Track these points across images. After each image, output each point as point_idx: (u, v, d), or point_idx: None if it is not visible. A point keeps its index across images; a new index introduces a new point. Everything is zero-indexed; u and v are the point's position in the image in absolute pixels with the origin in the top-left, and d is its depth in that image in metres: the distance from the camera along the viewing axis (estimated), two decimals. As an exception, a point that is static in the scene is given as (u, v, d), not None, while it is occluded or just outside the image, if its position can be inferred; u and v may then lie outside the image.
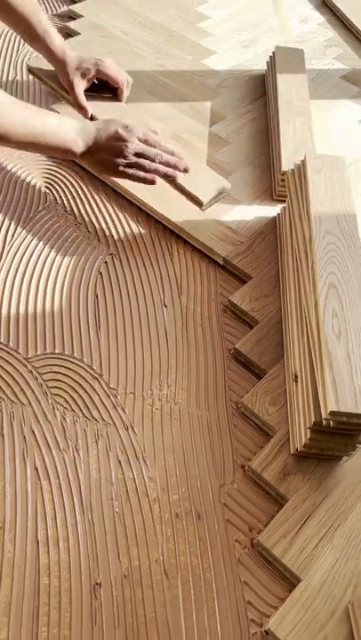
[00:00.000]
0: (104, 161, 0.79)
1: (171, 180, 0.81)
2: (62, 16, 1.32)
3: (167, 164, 0.82)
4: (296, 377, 0.69)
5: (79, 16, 1.29)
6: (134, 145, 0.79)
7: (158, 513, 0.63)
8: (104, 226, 0.88)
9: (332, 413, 0.56)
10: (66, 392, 0.71)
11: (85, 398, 0.71)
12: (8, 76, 1.13)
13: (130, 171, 0.79)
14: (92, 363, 0.74)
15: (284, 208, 0.89)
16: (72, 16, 1.31)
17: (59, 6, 1.35)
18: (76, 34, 1.24)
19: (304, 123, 1.01)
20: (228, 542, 0.61)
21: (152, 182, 0.81)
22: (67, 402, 0.70)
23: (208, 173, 0.92)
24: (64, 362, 0.74)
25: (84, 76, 0.95)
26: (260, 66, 1.23)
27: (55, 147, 0.76)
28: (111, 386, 0.72)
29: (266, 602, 0.58)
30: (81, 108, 0.96)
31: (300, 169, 0.81)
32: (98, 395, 0.71)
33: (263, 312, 0.80)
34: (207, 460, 0.67)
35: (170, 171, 0.82)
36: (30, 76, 1.14)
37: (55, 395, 0.71)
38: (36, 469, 0.65)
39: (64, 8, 1.34)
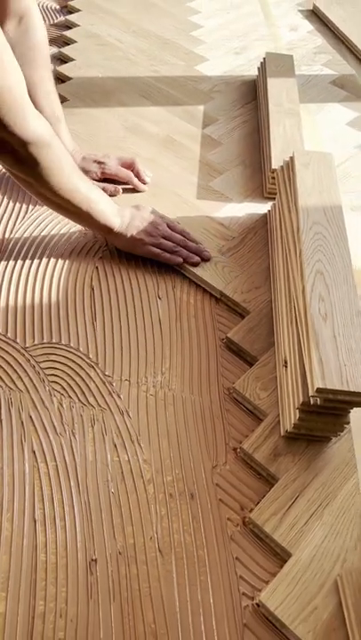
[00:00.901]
0: (136, 240, 0.83)
1: (192, 264, 0.84)
2: (59, 26, 1.36)
3: (190, 250, 0.85)
4: (286, 362, 0.71)
5: (75, 25, 1.34)
6: (163, 228, 0.84)
7: (153, 493, 0.64)
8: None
9: (319, 390, 0.58)
10: (62, 379, 0.73)
11: (82, 385, 0.73)
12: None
13: (156, 250, 0.84)
14: (88, 352, 0.76)
15: (273, 204, 0.92)
16: (69, 25, 1.35)
17: (56, 17, 1.39)
18: (73, 42, 1.28)
19: (294, 124, 1.05)
20: (221, 520, 0.63)
21: (176, 263, 0.84)
22: (63, 389, 0.72)
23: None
24: (60, 351, 0.76)
25: (89, 175, 0.94)
26: (252, 71, 1.26)
27: (99, 222, 0.80)
28: (107, 373, 0.74)
29: (257, 576, 0.60)
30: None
31: (289, 165, 0.83)
32: (94, 382, 0.73)
33: (254, 303, 0.82)
34: (200, 443, 0.69)
35: (193, 257, 0.85)
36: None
37: (52, 382, 0.73)
38: (34, 452, 0.66)
39: (61, 18, 1.38)
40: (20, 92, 0.66)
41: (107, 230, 0.82)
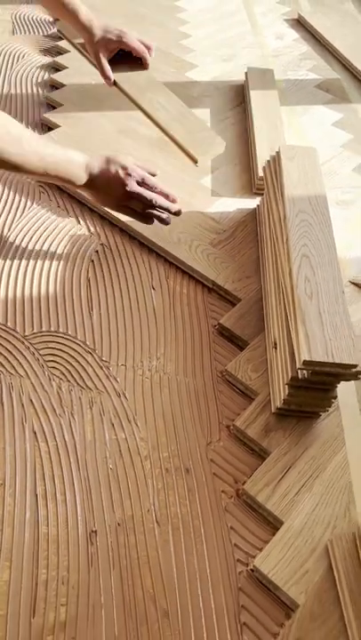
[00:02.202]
0: (104, 198, 0.85)
1: (164, 222, 0.86)
2: (53, 37, 1.41)
3: (161, 208, 0.85)
4: (275, 344, 0.74)
5: (69, 36, 1.38)
6: (132, 187, 0.83)
7: (149, 469, 0.67)
8: (95, 218, 0.95)
9: (306, 363, 0.61)
10: (61, 365, 0.76)
11: (80, 370, 0.76)
12: (2, 89, 1.20)
13: (128, 210, 0.85)
14: (86, 339, 0.79)
15: (262, 198, 0.96)
16: (61, 37, 1.39)
17: (49, 28, 1.44)
18: (66, 52, 1.33)
19: (276, 130, 1.10)
20: (215, 493, 0.66)
21: (147, 222, 0.86)
22: (62, 373, 0.75)
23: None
24: (59, 339, 0.79)
25: (107, 47, 1.02)
26: (239, 77, 1.31)
27: (62, 178, 0.80)
28: (103, 359, 0.77)
29: (251, 544, 0.62)
30: (106, 78, 1.04)
31: (276, 159, 0.87)
32: (91, 367, 0.76)
33: (245, 291, 0.86)
34: (195, 422, 0.72)
35: (163, 215, 0.86)
36: (23, 90, 1.22)
37: (51, 367, 0.75)
38: (34, 433, 0.69)
39: (54, 30, 1.43)
40: None
41: (72, 184, 0.82)
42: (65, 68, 1.27)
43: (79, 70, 1.27)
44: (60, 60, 1.29)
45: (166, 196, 0.86)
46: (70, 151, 0.81)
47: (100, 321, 0.81)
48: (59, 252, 0.89)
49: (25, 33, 1.42)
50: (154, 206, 0.85)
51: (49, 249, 0.89)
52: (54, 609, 0.56)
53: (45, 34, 1.42)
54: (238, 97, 1.26)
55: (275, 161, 0.88)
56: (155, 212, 0.85)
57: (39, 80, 1.25)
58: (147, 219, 0.86)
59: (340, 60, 1.43)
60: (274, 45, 1.46)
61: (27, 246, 0.89)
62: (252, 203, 1.00)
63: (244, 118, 1.20)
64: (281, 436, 0.69)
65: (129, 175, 0.83)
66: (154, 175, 0.88)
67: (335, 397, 0.68)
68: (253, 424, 0.70)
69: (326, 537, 0.61)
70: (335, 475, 0.66)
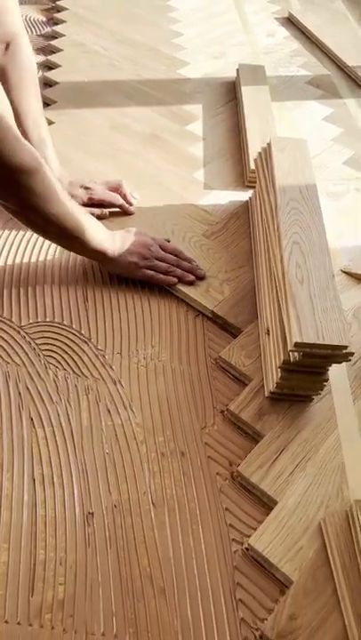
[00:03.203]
0: (129, 264, 0.83)
1: (187, 283, 0.84)
2: (46, 36, 1.42)
3: (183, 269, 0.85)
4: (268, 330, 0.75)
5: (62, 35, 1.40)
6: (155, 249, 0.84)
7: (145, 453, 0.68)
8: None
9: (297, 344, 0.63)
10: (57, 354, 0.77)
11: (76, 359, 0.77)
12: None
13: (151, 272, 0.83)
14: (81, 328, 0.80)
15: (254, 190, 0.97)
16: (55, 36, 1.41)
17: (42, 28, 1.45)
18: (59, 50, 1.34)
19: (268, 123, 1.11)
20: (211, 475, 0.67)
21: (170, 284, 0.84)
22: (58, 362, 0.76)
23: None
24: (54, 328, 0.80)
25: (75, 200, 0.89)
26: (231, 73, 1.33)
27: (92, 247, 0.79)
28: (99, 348, 0.78)
29: (246, 524, 0.63)
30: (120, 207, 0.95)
31: (267, 150, 0.89)
32: (87, 355, 0.77)
33: (238, 280, 0.87)
34: (189, 408, 0.73)
35: (187, 275, 0.84)
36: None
37: (47, 356, 0.76)
38: (31, 419, 0.70)
39: (47, 29, 1.45)
40: (8, 122, 0.67)
41: (100, 256, 0.81)
42: (58, 66, 1.29)
43: (73, 68, 1.28)
44: (53, 58, 1.31)
45: (188, 261, 0.86)
46: (99, 224, 0.81)
47: (95, 311, 0.82)
48: (54, 244, 0.90)
49: (18, 33, 1.43)
50: (175, 266, 0.85)
51: (44, 242, 0.90)
52: (52, 588, 0.57)
53: (39, 33, 1.43)
54: (230, 93, 1.28)
55: (266, 152, 0.90)
56: (178, 272, 0.84)
57: (33, 78, 1.26)
58: (168, 282, 0.84)
59: (331, 56, 1.44)
60: (265, 43, 1.48)
61: (22, 239, 0.90)
62: (244, 195, 1.02)
63: (236, 113, 1.21)
64: (274, 419, 0.70)
65: (153, 239, 0.85)
66: (168, 241, 0.89)
67: (327, 380, 0.69)
68: (247, 408, 0.71)
69: (320, 516, 0.62)
70: (328, 456, 0.68)
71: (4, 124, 0.66)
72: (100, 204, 0.93)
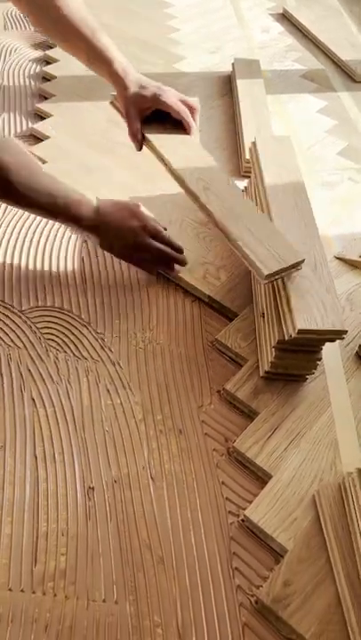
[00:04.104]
0: (111, 244, 0.83)
1: (174, 273, 0.85)
2: (44, 32, 1.44)
3: (170, 257, 0.84)
4: (263, 313, 0.77)
5: (60, 31, 1.41)
6: (143, 240, 0.82)
7: (144, 430, 0.70)
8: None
9: (300, 331, 0.64)
10: (58, 337, 0.79)
11: (75, 342, 0.78)
12: (-3, 81, 1.24)
13: (138, 259, 0.84)
14: (81, 313, 0.82)
15: (249, 180, 0.99)
16: (53, 31, 1.43)
17: (41, 24, 1.47)
18: (55, 45, 1.36)
19: (263, 113, 1.13)
20: (207, 451, 0.69)
21: (152, 272, 0.85)
22: (59, 345, 0.78)
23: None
24: (55, 313, 0.82)
25: (140, 105, 0.84)
26: (226, 68, 1.35)
27: (70, 215, 0.79)
28: (98, 331, 0.80)
29: (242, 497, 0.65)
30: (134, 140, 0.87)
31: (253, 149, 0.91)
32: (87, 338, 0.79)
33: (234, 266, 0.89)
34: (187, 388, 0.75)
35: (172, 267, 0.85)
36: (15, 82, 1.25)
37: (48, 339, 0.78)
38: (33, 400, 0.72)
39: (45, 25, 1.46)
40: None
41: (77, 223, 0.80)
42: (56, 60, 1.31)
43: (71, 62, 1.29)
44: (50, 53, 1.33)
45: (176, 250, 0.85)
46: (81, 193, 0.80)
47: (95, 296, 0.84)
48: (52, 233, 0.91)
49: (16, 29, 1.46)
50: (163, 256, 0.84)
51: (43, 230, 0.92)
52: (55, 558, 0.59)
53: (37, 29, 1.45)
54: (225, 87, 1.30)
55: (255, 147, 0.92)
56: (164, 262, 0.85)
57: (31, 72, 1.29)
58: (152, 269, 0.86)
59: (325, 51, 1.47)
60: (260, 38, 1.50)
61: (23, 226, 0.92)
62: (240, 185, 1.03)
63: (231, 107, 1.23)
64: (269, 398, 0.72)
65: (143, 228, 0.82)
66: (164, 229, 0.86)
67: (320, 359, 0.71)
68: (243, 387, 0.73)
69: (313, 489, 0.64)
70: (321, 432, 0.70)
71: None
72: (165, 112, 0.84)
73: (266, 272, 0.66)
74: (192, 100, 0.87)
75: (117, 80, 0.85)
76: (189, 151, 0.83)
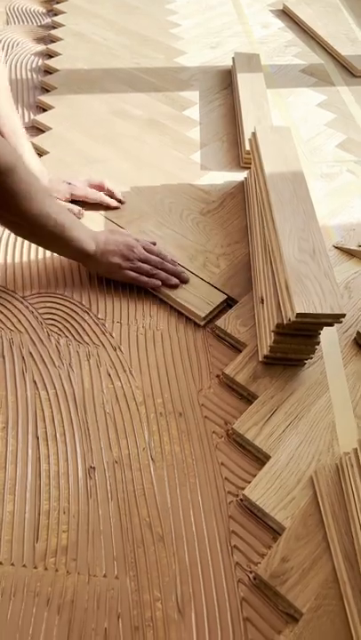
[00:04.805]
0: (112, 265, 0.81)
1: (171, 286, 0.83)
2: (46, 27, 1.45)
3: (168, 272, 0.83)
4: (262, 299, 0.78)
5: (61, 25, 1.43)
6: (139, 251, 0.83)
7: (145, 413, 0.71)
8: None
9: (299, 315, 0.65)
10: (59, 322, 0.80)
11: (77, 327, 0.79)
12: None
13: (133, 274, 0.82)
14: (82, 299, 0.83)
15: (249, 170, 1.00)
16: (55, 26, 1.44)
17: (42, 19, 1.48)
18: (59, 39, 1.37)
19: (263, 105, 1.14)
20: (207, 433, 0.70)
21: (154, 287, 0.83)
22: (60, 330, 0.79)
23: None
24: (56, 299, 0.83)
25: (57, 196, 0.92)
26: (227, 62, 1.36)
27: (75, 247, 0.79)
28: (99, 317, 0.81)
29: (240, 478, 0.66)
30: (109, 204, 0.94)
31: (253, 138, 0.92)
32: (88, 324, 0.80)
33: (234, 255, 0.90)
34: (186, 372, 0.76)
35: (171, 278, 0.83)
36: (18, 75, 1.26)
37: (50, 325, 0.79)
38: (35, 382, 0.73)
39: (47, 20, 1.48)
40: None
41: (81, 256, 0.81)
42: (58, 54, 1.32)
43: (72, 56, 1.31)
44: (52, 47, 1.34)
45: (172, 263, 0.85)
46: (77, 220, 0.80)
47: (96, 283, 0.85)
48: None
49: (19, 23, 1.47)
50: (159, 269, 0.83)
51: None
52: (56, 535, 0.60)
53: (39, 24, 1.46)
54: (226, 80, 1.31)
55: (255, 137, 0.93)
56: (161, 274, 0.83)
57: (33, 66, 1.30)
58: (152, 285, 0.83)
59: (324, 46, 1.48)
60: (260, 34, 1.51)
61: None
62: (239, 176, 1.05)
63: (231, 100, 1.24)
64: (268, 382, 0.73)
65: (137, 241, 0.83)
66: (154, 244, 0.87)
67: (318, 343, 0.72)
68: (242, 371, 0.74)
69: (311, 470, 0.65)
70: (319, 415, 0.70)
71: None
72: (83, 201, 0.93)
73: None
74: (98, 180, 0.95)
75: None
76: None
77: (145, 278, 0.82)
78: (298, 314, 0.66)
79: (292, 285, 0.69)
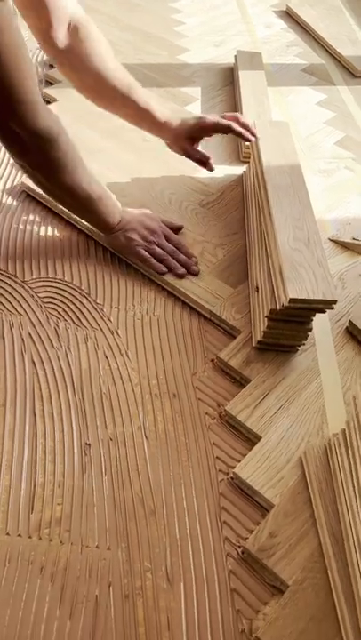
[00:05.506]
0: (129, 240, 0.84)
1: (177, 275, 0.84)
2: (52, 22, 1.47)
3: (179, 262, 0.85)
4: (257, 288, 0.80)
5: (67, 21, 1.45)
6: (158, 237, 0.85)
7: (140, 394, 0.73)
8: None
9: (292, 300, 0.67)
10: (58, 306, 0.82)
11: (75, 311, 0.81)
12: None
13: (145, 254, 0.84)
14: (81, 284, 0.85)
15: (248, 165, 1.02)
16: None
17: (49, 14, 1.50)
18: (65, 34, 1.39)
19: (263, 104, 1.16)
20: (200, 414, 0.71)
21: (159, 271, 0.84)
22: (59, 313, 0.81)
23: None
24: (56, 284, 0.84)
25: (192, 138, 0.92)
26: (229, 60, 1.38)
27: (102, 219, 0.82)
28: (98, 302, 0.83)
29: (231, 457, 0.68)
30: (207, 167, 0.94)
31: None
32: (86, 308, 0.82)
33: (231, 245, 0.92)
34: (181, 356, 0.78)
35: (179, 268, 0.85)
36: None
37: (49, 308, 0.81)
38: (33, 362, 0.74)
39: (53, 15, 1.49)
40: (32, 86, 0.67)
41: (105, 227, 0.84)
42: (63, 49, 1.34)
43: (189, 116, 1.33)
44: (58, 41, 1.36)
45: (187, 256, 0.87)
46: (110, 194, 0.83)
47: (95, 269, 0.87)
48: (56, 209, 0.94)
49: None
50: (171, 257, 0.85)
51: (46, 206, 0.94)
52: (51, 507, 0.61)
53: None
54: (228, 78, 1.33)
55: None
56: (171, 262, 0.85)
57: (39, 60, 1.32)
58: (161, 270, 0.85)
59: (325, 47, 1.50)
60: (263, 33, 1.54)
61: (24, 201, 0.95)
62: (238, 169, 1.07)
63: (233, 96, 1.26)
64: (261, 366, 0.75)
65: (158, 225, 0.86)
66: (180, 228, 0.91)
67: (310, 330, 0.74)
68: (236, 356, 0.76)
69: (300, 451, 0.67)
70: (310, 399, 0.72)
71: (30, 88, 0.67)
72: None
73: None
74: (230, 113, 0.94)
75: (163, 128, 0.91)
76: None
77: (154, 261, 0.85)
78: (291, 299, 0.68)
79: (286, 272, 0.71)
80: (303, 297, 0.68)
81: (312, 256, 0.73)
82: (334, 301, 0.69)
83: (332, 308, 0.70)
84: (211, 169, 0.94)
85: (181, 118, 0.91)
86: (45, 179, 0.77)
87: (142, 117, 0.91)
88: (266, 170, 0.84)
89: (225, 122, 0.91)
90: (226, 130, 0.91)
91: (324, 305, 0.69)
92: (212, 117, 0.92)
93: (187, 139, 0.92)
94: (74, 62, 0.85)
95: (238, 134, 0.92)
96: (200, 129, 0.91)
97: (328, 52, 1.49)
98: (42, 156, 0.73)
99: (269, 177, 0.83)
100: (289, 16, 1.64)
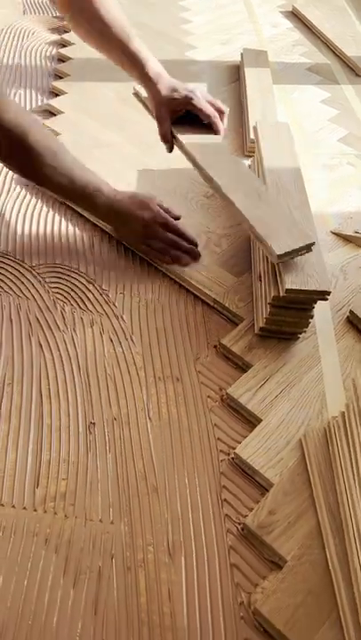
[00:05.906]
0: (124, 233, 0.88)
1: (181, 264, 0.86)
2: (60, 17, 1.49)
3: (182, 250, 0.86)
4: (260, 276, 0.82)
5: (76, 17, 1.47)
6: (157, 229, 0.85)
7: (144, 377, 0.74)
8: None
9: (288, 290, 0.69)
10: (65, 291, 0.83)
11: (82, 296, 0.83)
12: (14, 61, 1.29)
13: (147, 248, 0.86)
14: (87, 271, 0.86)
15: (253, 159, 1.04)
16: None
17: (56, 10, 1.52)
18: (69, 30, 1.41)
19: (267, 102, 1.18)
20: (202, 397, 0.73)
21: (165, 262, 0.86)
22: (65, 298, 0.82)
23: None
24: (63, 269, 0.86)
25: (172, 109, 0.88)
26: (236, 58, 1.40)
27: (86, 196, 0.84)
28: (104, 288, 0.84)
29: (233, 438, 0.69)
30: (165, 141, 0.92)
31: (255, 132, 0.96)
32: (92, 294, 0.83)
33: (235, 236, 0.93)
34: (185, 342, 0.79)
35: (183, 257, 0.86)
36: (33, 62, 1.30)
37: (55, 293, 0.83)
38: (40, 345, 0.76)
39: (63, 11, 1.51)
40: None
41: (92, 208, 0.86)
42: (71, 44, 1.36)
43: (84, 46, 1.34)
44: (66, 37, 1.38)
45: (189, 241, 0.87)
46: (102, 182, 0.84)
47: (102, 256, 0.89)
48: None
49: (35, 13, 1.51)
50: (173, 247, 0.86)
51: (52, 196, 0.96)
52: (56, 483, 0.63)
53: (53, 15, 1.50)
54: (234, 75, 1.35)
55: (256, 132, 0.97)
56: (172, 251, 0.86)
57: (48, 54, 1.34)
58: (164, 258, 0.86)
59: (330, 47, 1.52)
60: (269, 33, 1.56)
61: (32, 189, 0.97)
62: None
63: (239, 94, 1.28)
64: (262, 352, 0.77)
65: (153, 219, 0.85)
66: (178, 218, 0.89)
67: (312, 317, 0.76)
68: (238, 342, 0.77)
69: (300, 433, 0.68)
70: (310, 384, 0.74)
71: None
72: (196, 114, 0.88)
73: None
74: (221, 103, 0.91)
75: (149, 83, 0.88)
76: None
77: (155, 253, 0.87)
78: (287, 289, 0.70)
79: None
80: (298, 288, 0.70)
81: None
82: (328, 292, 0.71)
83: (326, 299, 0.72)
84: (168, 150, 0.93)
85: (172, 86, 0.88)
86: (19, 170, 0.82)
87: (134, 66, 0.90)
88: (267, 169, 0.86)
89: (208, 113, 0.88)
90: (205, 119, 0.89)
91: (319, 296, 0.71)
92: (202, 102, 0.88)
93: (167, 107, 0.88)
94: (83, 14, 0.89)
95: (215, 130, 0.90)
96: (184, 108, 0.88)
97: (333, 51, 1.51)
98: (18, 151, 0.77)
99: (269, 173, 0.85)
100: (295, 16, 1.66)
